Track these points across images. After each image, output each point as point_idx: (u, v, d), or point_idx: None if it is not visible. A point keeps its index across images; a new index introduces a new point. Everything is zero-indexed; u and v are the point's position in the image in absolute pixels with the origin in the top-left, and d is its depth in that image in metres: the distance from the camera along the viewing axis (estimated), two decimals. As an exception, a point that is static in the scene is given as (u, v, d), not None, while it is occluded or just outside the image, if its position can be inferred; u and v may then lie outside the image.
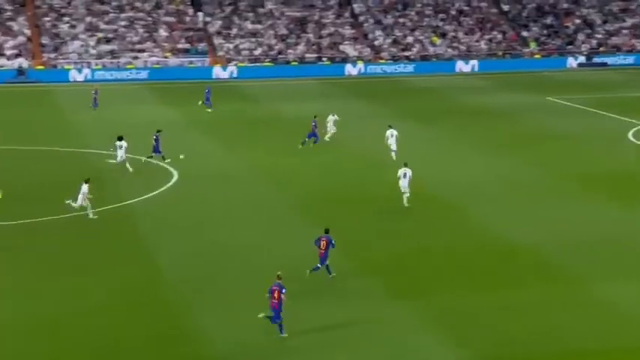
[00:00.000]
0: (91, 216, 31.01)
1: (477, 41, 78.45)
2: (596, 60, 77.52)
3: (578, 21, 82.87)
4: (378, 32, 78.14)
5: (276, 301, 21.85)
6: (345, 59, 74.17)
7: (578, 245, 28.26)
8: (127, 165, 37.15)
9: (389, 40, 77.18)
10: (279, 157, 40.50)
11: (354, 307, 23.75)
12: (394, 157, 38.36)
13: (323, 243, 25.42)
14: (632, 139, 44.64)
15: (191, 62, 71.21)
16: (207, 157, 40.73)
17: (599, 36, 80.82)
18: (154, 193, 34.48)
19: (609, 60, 77.58)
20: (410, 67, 73.90)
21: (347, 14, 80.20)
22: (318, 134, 41.91)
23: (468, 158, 40.03)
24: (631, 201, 33.16)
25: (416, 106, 55.53)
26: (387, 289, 25.16)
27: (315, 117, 42.47)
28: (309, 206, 32.80)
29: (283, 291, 21.81)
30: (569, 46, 79.32)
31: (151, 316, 23.36)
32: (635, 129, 47.18)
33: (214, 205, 32.94)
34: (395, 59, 75.21)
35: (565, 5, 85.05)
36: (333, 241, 25.47)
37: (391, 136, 39.43)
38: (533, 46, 79.05)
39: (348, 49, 75.32)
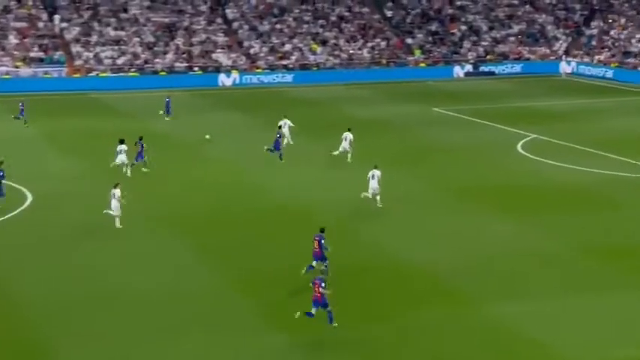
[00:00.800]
0: (117, 225, 31.35)
1: (360, 49, 78.72)
2: (483, 69, 78.98)
3: (464, 27, 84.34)
4: (254, 40, 77.33)
5: (317, 294, 23.43)
6: (219, 69, 72.97)
7: (470, 263, 28.19)
8: (128, 170, 38.74)
9: (265, 48, 76.47)
10: (145, 172, 39.17)
11: (224, 338, 22.65)
12: (349, 159, 41.20)
13: (315, 242, 26.57)
14: (521, 150, 45.19)
15: (46, 72, 68.47)
16: (61, 176, 39.10)
17: (486, 43, 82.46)
18: (5, 217, 32.65)
19: (496, 68, 79.20)
20: (289, 77, 73.40)
21: (219, 20, 79.04)
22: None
23: (354, 173, 39.66)
24: (521, 215, 33.30)
25: (297, 119, 54.95)
26: (264, 320, 24.16)
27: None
28: (175, 222, 31.69)
29: (322, 285, 23.40)
30: (456, 55, 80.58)
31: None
32: (524, 140, 47.83)
33: (73, 227, 31.32)
34: (272, 68, 74.55)
35: (450, 11, 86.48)
36: (322, 241, 26.45)
37: (345, 139, 41.76)
38: (418, 54, 79.88)
39: (222, 57, 74.16)
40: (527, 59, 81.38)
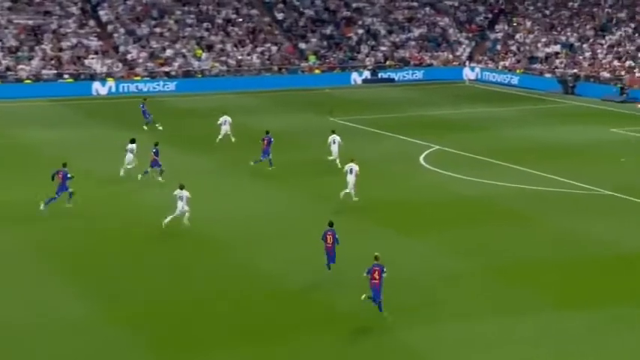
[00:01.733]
0: (186, 222, 32.69)
1: (249, 54, 78.29)
2: (382, 75, 79.54)
3: (361, 31, 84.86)
4: (131, 44, 76.01)
5: (376, 281, 25.10)
6: (93, 76, 71.40)
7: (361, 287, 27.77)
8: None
9: (144, 54, 75.24)
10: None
11: None
12: (338, 164, 42.01)
13: (329, 237, 28.23)
14: (423, 163, 45.42)
15: None
16: None
17: (385, 48, 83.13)
18: None
19: (396, 75, 79.90)
20: (171, 85, 72.40)
21: (92, 23, 77.41)
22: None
23: (244, 190, 39.25)
24: (424, 232, 33.34)
25: (179, 131, 54.12)
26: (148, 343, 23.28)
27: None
28: (46, 248, 30.48)
29: (384, 270, 25.13)
30: (353, 61, 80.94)
31: None
32: (427, 152, 48.14)
33: None
34: (152, 76, 73.41)
35: (346, 13, 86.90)
36: (336, 236, 28.22)
37: (333, 142, 43.23)
38: (312, 59, 79.92)
39: (95, 64, 72.58)
40: (429, 65, 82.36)
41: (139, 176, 40.12)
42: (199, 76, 75.05)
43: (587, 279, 28.88)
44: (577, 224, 34.66)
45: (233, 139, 47.88)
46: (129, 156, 40.69)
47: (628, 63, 72.17)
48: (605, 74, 71.99)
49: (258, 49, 79.09)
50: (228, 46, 78.60)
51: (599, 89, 70.11)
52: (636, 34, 76.06)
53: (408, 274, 29.20)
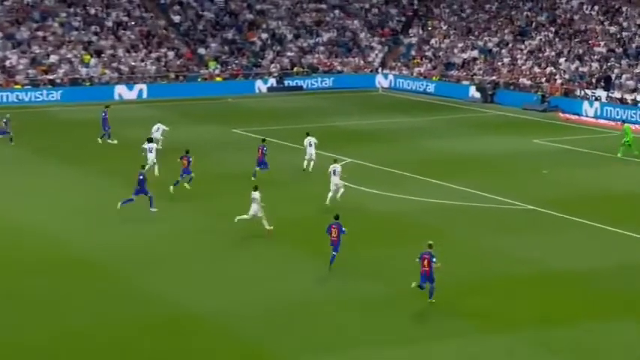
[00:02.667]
0: (267, 227, 34.55)
1: (143, 60, 77.64)
2: (289, 83, 79.72)
3: (265, 36, 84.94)
4: (10, 50, 74.64)
5: (426, 269, 27.90)
6: (-33, 85, 70.01)
7: (269, 312, 27.90)
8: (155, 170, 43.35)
9: (25, 60, 73.99)
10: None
11: None
12: (310, 168, 44.77)
13: (334, 230, 30.82)
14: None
15: None
16: None
17: (292, 54, 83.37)
18: None
19: (304, 83, 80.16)
20: (56, 94, 71.37)
21: (-34, 26, 75.94)
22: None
23: (134, 210, 38.70)
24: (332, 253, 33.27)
25: (64, 145, 53.30)
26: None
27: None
28: None
29: (434, 259, 27.81)
30: (257, 67, 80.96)
31: None
32: (340, 164, 48.25)
33: None
34: (35, 84, 72.23)
35: (249, 16, 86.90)
36: (343, 228, 30.83)
37: (309, 145, 45.50)
38: (213, 66, 79.65)
39: (-30, 71, 71.19)
40: (339, 72, 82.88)
41: (171, 188, 40.80)
42: (87, 84, 74.09)
43: (510, 299, 29.22)
44: (498, 241, 35.12)
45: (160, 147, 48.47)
46: (150, 156, 43.88)
47: (549, 69, 73.75)
48: (526, 81, 73.44)
49: (153, 55, 78.51)
50: (120, 52, 77.83)
51: (520, 97, 71.47)
52: (557, 39, 77.82)
53: (320, 297, 29.13)
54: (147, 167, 41.69)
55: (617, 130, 60.41)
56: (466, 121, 64.06)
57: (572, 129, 61.79)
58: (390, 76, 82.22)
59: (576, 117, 65.60)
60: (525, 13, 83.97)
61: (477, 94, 74.29)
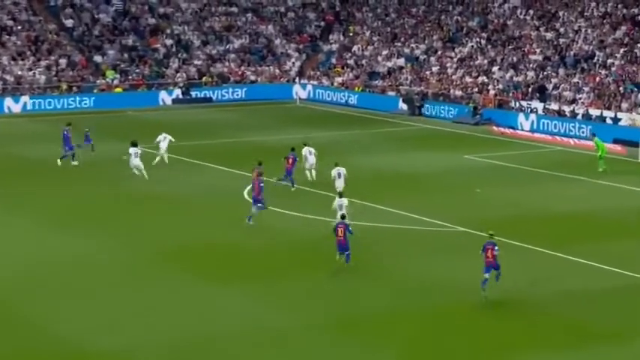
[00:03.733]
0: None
1: (30, 69, 76.68)
2: (196, 94, 79.38)
3: (169, 42, 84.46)
4: None
5: (490, 259, 31.48)
6: None
7: (183, 345, 27.67)
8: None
9: None
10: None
11: None
12: (314, 176, 47.29)
13: (340, 230, 34.05)
14: (248, 198, 45.34)
15: None
16: None
17: (199, 62, 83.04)
18: None
19: (214, 94, 79.91)
20: None
21: None
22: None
23: (28, 236, 38.18)
24: (248, 282, 33.25)
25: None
26: None
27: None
28: None
29: (496, 249, 31.57)
30: (161, 77, 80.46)
31: None
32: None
33: None
34: None
35: (151, 20, 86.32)
36: (350, 228, 34.28)
37: (309, 153, 47.88)
38: (110, 75, 78.94)
39: None
40: (253, 82, 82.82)
41: None
42: (-32, 96, 72.97)
43: (443, 329, 29.25)
44: (427, 267, 35.17)
45: (166, 161, 51.60)
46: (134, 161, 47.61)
47: (481, 79, 74.50)
48: (456, 92, 74.07)
49: (43, 63, 77.52)
50: (4, 59, 76.84)
51: (450, 109, 72.07)
52: (489, 46, 78.72)
53: (223, 331, 28.89)
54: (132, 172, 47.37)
55: (555, 145, 61.26)
56: (392, 135, 64.33)
57: (507, 143, 62.43)
58: (309, 87, 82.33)
59: (511, 130, 66.28)
60: (455, 17, 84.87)
61: (404, 106, 74.70)
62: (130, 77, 79.56)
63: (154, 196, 45.79)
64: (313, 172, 47.84)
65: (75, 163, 51.83)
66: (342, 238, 34.07)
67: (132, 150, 48.11)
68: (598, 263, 35.13)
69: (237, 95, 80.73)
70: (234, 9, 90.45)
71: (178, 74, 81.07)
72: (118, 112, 72.47)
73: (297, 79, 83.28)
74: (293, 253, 37.06)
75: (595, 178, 50.02)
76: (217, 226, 40.76)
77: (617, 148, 56.85)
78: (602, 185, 48.84)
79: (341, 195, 38.86)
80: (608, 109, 65.15)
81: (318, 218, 41.69)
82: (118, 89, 78.09)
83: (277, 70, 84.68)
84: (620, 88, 66.67)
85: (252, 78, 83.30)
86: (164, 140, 52.44)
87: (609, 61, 70.14)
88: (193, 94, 79.44)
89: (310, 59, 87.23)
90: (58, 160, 51.83)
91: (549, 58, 73.89)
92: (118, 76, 79.11)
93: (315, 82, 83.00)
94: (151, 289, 32.77)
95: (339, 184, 42.54)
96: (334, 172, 43.42)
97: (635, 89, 65.62)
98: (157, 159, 51.55)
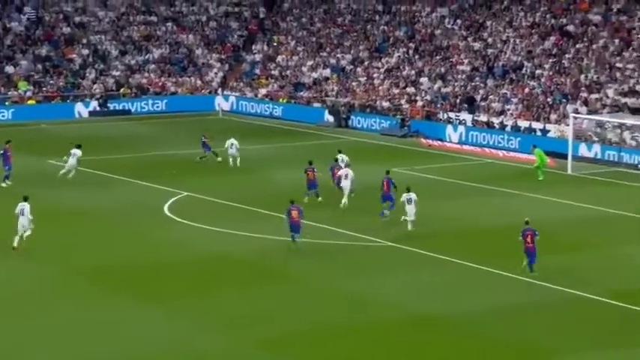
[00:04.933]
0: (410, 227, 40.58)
1: (-61, 81, 75.87)
2: (114, 106, 79.02)
3: (86, 52, 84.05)
4: None
5: (530, 244, 35.30)
6: None
7: None
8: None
9: None
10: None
11: None
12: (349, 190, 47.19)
13: (293, 212, 39.12)
14: (169, 213, 45.39)
15: None
16: None
17: (117, 73, 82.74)
18: None
19: (133, 106, 79.60)
20: None
21: None
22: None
23: None
24: (169, 301, 33.31)
25: None
26: None
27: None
28: None
29: (536, 234, 35.49)
30: (76, 89, 80.00)
31: None
32: (172, 199, 48.15)
33: None
34: None
35: (66, 29, 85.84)
36: (301, 209, 39.59)
37: (342, 161, 50.09)
38: (23, 87, 78.33)
39: None
40: (173, 93, 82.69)
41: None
42: None
43: (370, 348, 29.48)
44: (354, 283, 35.45)
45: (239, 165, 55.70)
46: (71, 160, 51.58)
47: (409, 90, 75.26)
48: (384, 103, 74.74)
49: (-49, 74, 76.79)
50: None
51: (377, 121, 72.69)
52: (417, 56, 79.54)
53: (143, 352, 28.94)
54: (62, 172, 51.17)
55: (484, 157, 62.07)
56: (318, 148, 64.62)
57: (435, 156, 63.12)
58: (232, 98, 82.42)
59: (439, 143, 67.10)
60: (382, 27, 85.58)
61: (330, 118, 75.22)
62: (43, 89, 79.00)
63: (70, 212, 45.58)
64: (349, 184, 47.40)
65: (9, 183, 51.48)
66: (295, 219, 38.85)
67: (73, 150, 52.12)
68: (528, 278, 35.80)
69: (157, 107, 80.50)
70: (154, 18, 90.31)
71: (95, 85, 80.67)
72: (30, 125, 71.78)
73: (219, 91, 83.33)
74: (218, 271, 37.15)
75: (525, 191, 50.88)
76: (137, 244, 40.62)
77: (547, 160, 57.86)
78: (532, 198, 49.65)
79: (409, 189, 42.82)
80: (537, 120, 66.29)
81: (244, 234, 41.89)
82: (31, 101, 77.49)
83: (199, 81, 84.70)
84: (549, 100, 67.87)
85: (173, 89, 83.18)
86: (231, 147, 56.49)
87: (538, 71, 71.34)
88: (111, 106, 79.06)
89: (233, 70, 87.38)
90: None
91: (477, 68, 74.93)
92: (31, 87, 78.55)
93: (239, 94, 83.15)
94: (68, 309, 32.52)
95: (410, 211, 42.47)
96: (404, 197, 42.81)
97: (564, 100, 66.81)
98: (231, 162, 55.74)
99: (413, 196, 42.53)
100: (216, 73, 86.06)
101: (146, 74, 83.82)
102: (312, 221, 43.46)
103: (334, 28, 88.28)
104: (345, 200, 46.33)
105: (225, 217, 44.99)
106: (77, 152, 52.26)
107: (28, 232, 38.12)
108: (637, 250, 40.52)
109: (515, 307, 33.03)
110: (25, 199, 38.86)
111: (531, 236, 35.43)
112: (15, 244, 37.96)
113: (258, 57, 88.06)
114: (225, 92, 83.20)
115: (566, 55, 71.75)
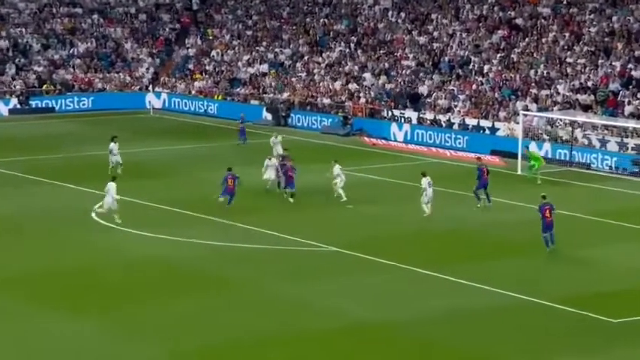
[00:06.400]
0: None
1: None
2: (37, 104, 78.52)
3: (4, 44, 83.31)
4: None
5: (549, 218, 39.31)
6: None
7: None
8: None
9: None
10: None
11: None
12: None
13: (230, 181, 45.23)
14: (96, 218, 45.09)
15: None
16: None
17: (40, 68, 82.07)
18: None
19: (57, 103, 79.06)
20: None
21: None
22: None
23: None
24: (97, 311, 33.22)
25: None
26: None
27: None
28: None
29: (554, 207, 39.76)
30: (-3, 84, 79.53)
31: None
32: (99, 203, 47.87)
33: None
34: None
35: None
36: (237, 176, 45.70)
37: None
38: (-60, 83, 77.59)
39: None
40: (101, 90, 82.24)
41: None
42: None
43: (308, 357, 29.61)
44: (296, 289, 35.51)
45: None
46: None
47: (351, 86, 75.35)
48: (325, 100, 74.76)
49: None
50: None
51: (318, 119, 72.72)
52: (359, 51, 79.67)
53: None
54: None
55: (430, 157, 62.29)
56: (254, 147, 64.52)
57: (380, 156, 63.28)
58: (164, 95, 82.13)
59: (384, 142, 67.26)
60: (322, 20, 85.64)
61: (269, 116, 75.13)
62: (-40, 85, 78.33)
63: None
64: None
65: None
66: (231, 186, 45.24)
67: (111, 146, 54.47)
68: (476, 283, 35.94)
69: (84, 105, 80.00)
70: (79, 10, 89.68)
71: (15, 82, 79.96)
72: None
73: (150, 87, 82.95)
74: (148, 278, 37.03)
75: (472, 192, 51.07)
76: (59, 250, 40.40)
77: (495, 160, 58.11)
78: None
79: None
80: (486, 118, 66.62)
81: (176, 239, 41.77)
82: (-54, 99, 76.85)
83: (128, 77, 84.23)
84: (498, 96, 68.22)
85: (100, 86, 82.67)
86: (277, 144, 57.18)
87: (486, 67, 71.73)
88: (33, 103, 78.55)
89: (165, 65, 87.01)
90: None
91: (423, 64, 75.18)
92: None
93: (171, 91, 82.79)
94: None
95: (428, 195, 45.84)
96: (424, 181, 45.93)
97: (514, 97, 67.21)
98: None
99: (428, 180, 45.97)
100: (146, 69, 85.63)
101: (71, 70, 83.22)
102: (253, 226, 43.43)
103: (272, 21, 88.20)
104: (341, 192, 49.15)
105: (156, 221, 44.85)
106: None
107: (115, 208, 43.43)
108: (589, 253, 40.86)
109: (462, 313, 33.14)
110: (113, 179, 44.15)
111: (549, 210, 39.38)
112: (117, 219, 43.38)
113: (191, 51, 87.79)
114: (156, 89, 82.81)
115: (515, 50, 72.21)
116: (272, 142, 57.62)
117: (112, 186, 43.34)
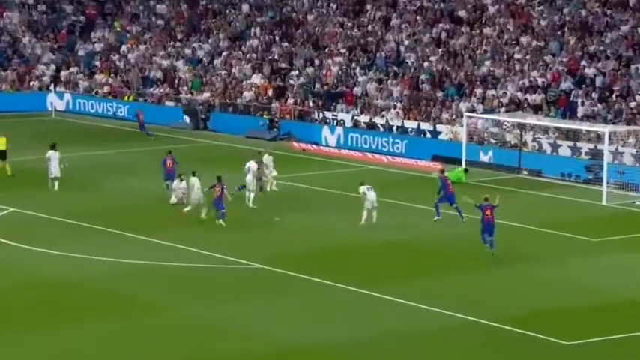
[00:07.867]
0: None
1: None
2: None
3: None
4: None
5: (490, 217, 40.83)
6: None
7: None
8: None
9: None
10: None
11: None
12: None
13: (217, 190, 46.33)
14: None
15: None
16: None
17: None
18: None
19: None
20: None
21: None
22: None
23: None
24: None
25: None
26: None
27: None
28: None
29: (494, 206, 41.46)
30: None
31: None
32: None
33: None
34: None
35: None
36: (225, 187, 46.92)
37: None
38: None
39: None
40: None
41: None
42: None
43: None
44: (218, 311, 35.58)
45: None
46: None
47: (276, 84, 75.35)
48: (247, 99, 74.61)
49: None
50: None
51: (242, 122, 72.69)
52: (284, 44, 79.73)
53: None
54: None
55: (366, 163, 62.54)
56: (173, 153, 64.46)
57: (310, 162, 63.44)
58: (67, 96, 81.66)
59: (315, 147, 67.38)
60: (244, 11, 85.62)
61: (186, 119, 74.99)
62: None
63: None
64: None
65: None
66: (218, 195, 46.23)
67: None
68: (414, 302, 36.18)
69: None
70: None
71: None
72: None
73: (52, 87, 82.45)
74: (51, 300, 36.89)
75: (411, 202, 51.38)
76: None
77: (438, 166, 58.33)
78: (420, 210, 50.14)
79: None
80: (427, 120, 66.77)
81: (83, 256, 41.66)
82: None
83: (26, 76, 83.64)
84: (439, 95, 68.45)
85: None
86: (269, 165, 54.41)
87: (425, 64, 71.99)
88: None
89: (68, 62, 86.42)
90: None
91: (357, 60, 75.33)
92: None
93: (75, 91, 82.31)
94: None
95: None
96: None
97: (457, 97, 67.47)
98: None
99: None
100: (47, 66, 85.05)
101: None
102: (177, 243, 43.41)
103: (189, 13, 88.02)
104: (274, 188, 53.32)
105: (60, 236, 44.67)
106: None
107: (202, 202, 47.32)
108: (539, 268, 41.29)
109: (398, 335, 33.32)
110: (194, 174, 48.33)
111: (490, 210, 41.10)
112: (203, 215, 47.28)
113: (98, 47, 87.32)
114: (58, 89, 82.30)
115: (458, 43, 72.59)
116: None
117: (195, 180, 47.85)
